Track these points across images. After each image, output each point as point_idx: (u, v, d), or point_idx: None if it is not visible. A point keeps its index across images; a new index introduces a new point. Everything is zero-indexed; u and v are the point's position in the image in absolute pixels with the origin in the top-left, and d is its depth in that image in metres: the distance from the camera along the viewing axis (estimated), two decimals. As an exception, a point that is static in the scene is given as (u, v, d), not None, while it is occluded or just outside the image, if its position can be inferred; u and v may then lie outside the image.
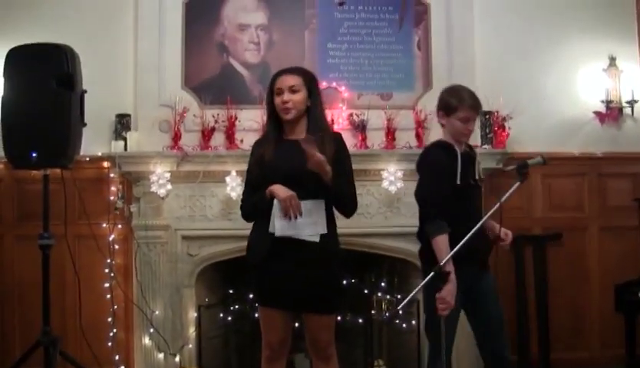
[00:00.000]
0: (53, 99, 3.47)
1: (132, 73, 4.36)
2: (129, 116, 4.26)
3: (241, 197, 3.01)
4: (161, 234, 4.20)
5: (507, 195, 2.78)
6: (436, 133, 4.15)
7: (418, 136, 4.31)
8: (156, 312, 4.16)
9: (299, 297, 2.78)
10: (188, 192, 4.23)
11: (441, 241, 2.82)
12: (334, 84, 4.38)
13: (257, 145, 2.97)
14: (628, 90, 4.63)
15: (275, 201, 2.73)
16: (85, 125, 3.63)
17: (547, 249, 4.31)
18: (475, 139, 3.94)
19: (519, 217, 4.39)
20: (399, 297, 4.37)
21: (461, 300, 2.89)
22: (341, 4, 4.29)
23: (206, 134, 4.21)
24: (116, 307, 4.24)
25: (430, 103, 4.25)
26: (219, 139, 4.24)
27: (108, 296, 4.22)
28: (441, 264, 2.72)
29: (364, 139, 4.29)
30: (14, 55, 3.54)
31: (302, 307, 2.83)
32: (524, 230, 4.37)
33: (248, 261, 2.90)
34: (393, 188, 4.20)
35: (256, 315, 3.20)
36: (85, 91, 3.61)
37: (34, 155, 3.46)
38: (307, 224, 2.74)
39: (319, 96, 2.92)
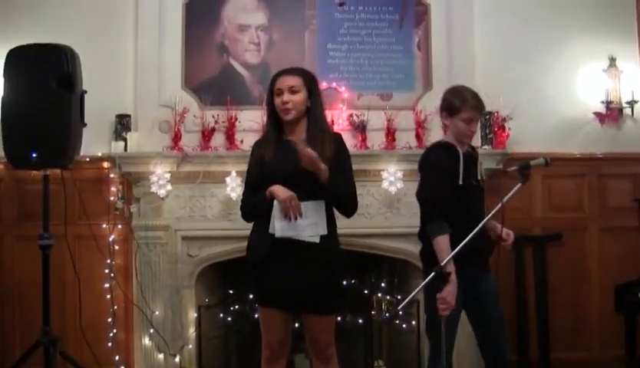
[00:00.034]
0: (53, 99, 3.47)
1: (132, 74, 4.36)
2: (129, 116, 4.26)
3: (241, 198, 3.01)
4: (161, 234, 4.20)
5: (509, 195, 2.77)
6: (436, 133, 4.18)
7: (418, 137, 4.30)
8: (156, 312, 4.16)
9: (299, 298, 2.78)
10: (188, 193, 4.23)
11: (442, 242, 2.83)
12: (334, 85, 4.38)
13: (257, 145, 2.96)
14: (628, 91, 4.63)
15: (275, 202, 2.73)
16: (85, 125, 3.63)
17: (547, 249, 4.31)
18: (475, 139, 3.91)
19: (519, 217, 4.38)
20: (399, 297, 4.37)
21: (462, 300, 2.89)
22: (341, 4, 4.28)
23: (206, 135, 4.20)
24: (116, 307, 4.24)
25: (430, 103, 4.26)
26: (219, 139, 4.24)
27: (108, 296, 4.22)
28: (442, 264, 2.72)
29: (364, 140, 4.29)
30: (14, 55, 3.53)
31: (302, 307, 2.83)
32: (524, 230, 4.36)
33: (248, 261, 2.90)
34: (393, 189, 4.20)
35: (256, 315, 3.20)
36: (85, 91, 3.61)
37: (34, 155, 3.45)
38: (307, 225, 2.74)
39: (319, 97, 2.92)
